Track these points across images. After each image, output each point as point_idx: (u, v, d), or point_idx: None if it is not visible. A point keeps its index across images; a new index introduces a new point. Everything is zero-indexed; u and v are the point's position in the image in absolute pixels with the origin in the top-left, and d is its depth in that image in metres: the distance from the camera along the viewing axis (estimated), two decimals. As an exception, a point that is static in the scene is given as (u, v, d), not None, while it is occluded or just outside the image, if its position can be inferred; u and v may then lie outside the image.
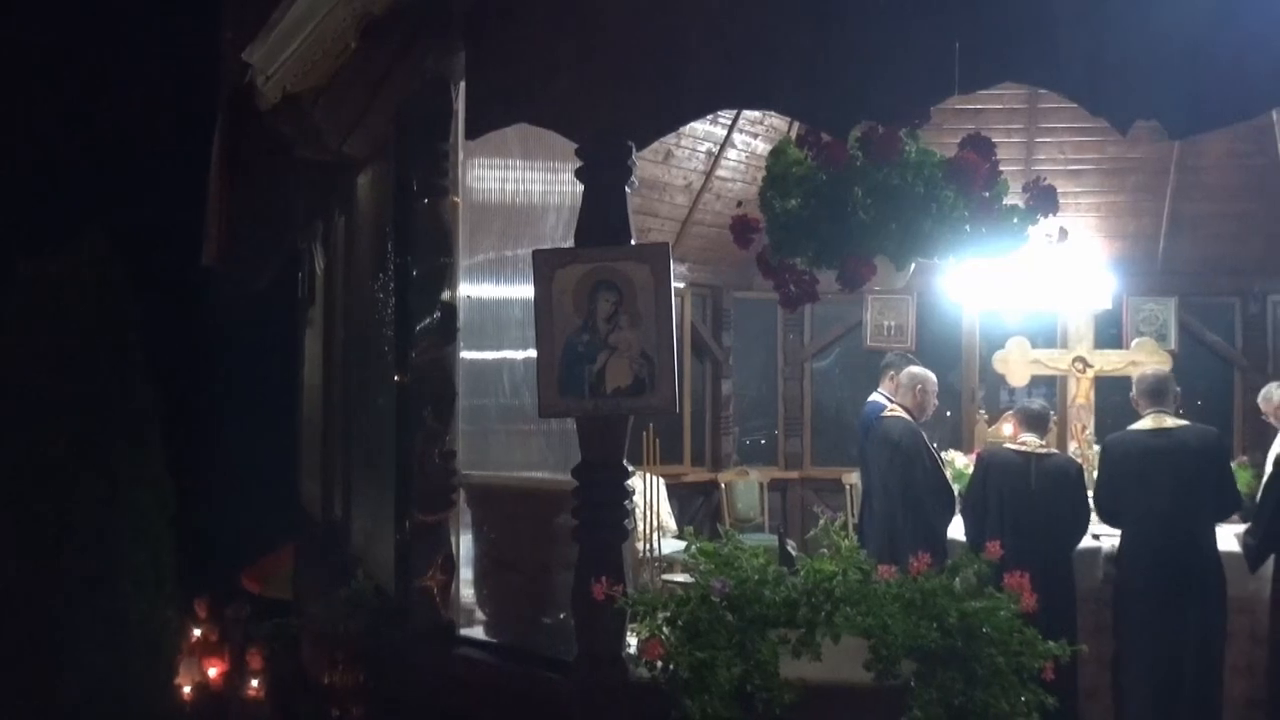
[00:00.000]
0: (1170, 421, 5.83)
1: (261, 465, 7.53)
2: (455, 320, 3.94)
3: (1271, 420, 6.97)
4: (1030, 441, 5.98)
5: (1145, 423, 5.89)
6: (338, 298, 5.54)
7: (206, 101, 5.65)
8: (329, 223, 5.76)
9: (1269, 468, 6.19)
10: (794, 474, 10.48)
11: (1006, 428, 6.95)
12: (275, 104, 3.91)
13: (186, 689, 7.59)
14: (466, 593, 4.02)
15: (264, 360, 7.49)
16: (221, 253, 5.55)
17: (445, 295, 3.95)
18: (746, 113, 8.65)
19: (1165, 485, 5.68)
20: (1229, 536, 5.88)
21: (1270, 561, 5.75)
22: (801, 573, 3.41)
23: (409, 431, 3.95)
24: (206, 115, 5.49)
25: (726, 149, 9.05)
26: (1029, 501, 5.81)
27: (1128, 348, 7.64)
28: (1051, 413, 6.24)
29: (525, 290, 3.85)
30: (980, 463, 6.18)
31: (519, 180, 4.44)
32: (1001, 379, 7.64)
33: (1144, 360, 7.03)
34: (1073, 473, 6.02)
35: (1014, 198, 3.68)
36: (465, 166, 4.07)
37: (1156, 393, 5.93)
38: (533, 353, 3.62)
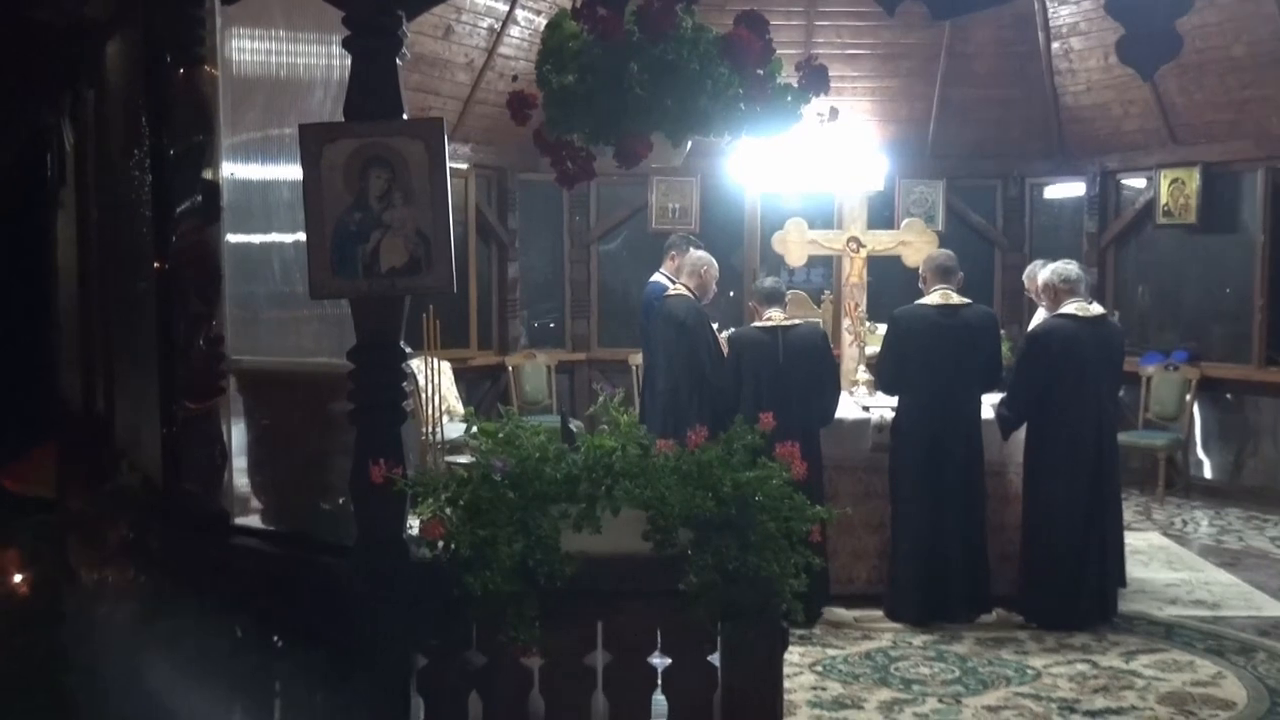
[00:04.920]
0: (956, 299, 6.17)
1: (14, 358, 7.06)
2: (218, 200, 3.75)
3: (1033, 297, 7.41)
4: (775, 316, 6.21)
5: (933, 298, 6.21)
6: (90, 177, 5.18)
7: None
8: (77, 96, 5.35)
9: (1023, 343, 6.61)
10: (581, 356, 10.59)
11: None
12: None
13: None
14: (241, 482, 3.91)
15: (9, 246, 6.97)
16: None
17: (206, 174, 3.74)
18: (528, -12, 8.46)
19: (947, 358, 6.05)
20: (985, 406, 6.29)
21: (1024, 430, 6.19)
22: (582, 449, 3.45)
23: (172, 318, 3.77)
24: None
25: (509, 25, 8.85)
26: (778, 373, 6.06)
27: (899, 228, 7.95)
28: (783, 287, 6.48)
29: (293, 171, 3.68)
30: (732, 344, 6.39)
31: (283, 52, 4.21)
32: (781, 259, 7.84)
33: (913, 240, 7.34)
34: (818, 339, 6.29)
35: (788, 77, 3.72)
36: (224, 36, 3.83)
37: (944, 271, 6.27)
38: (303, 236, 3.48)
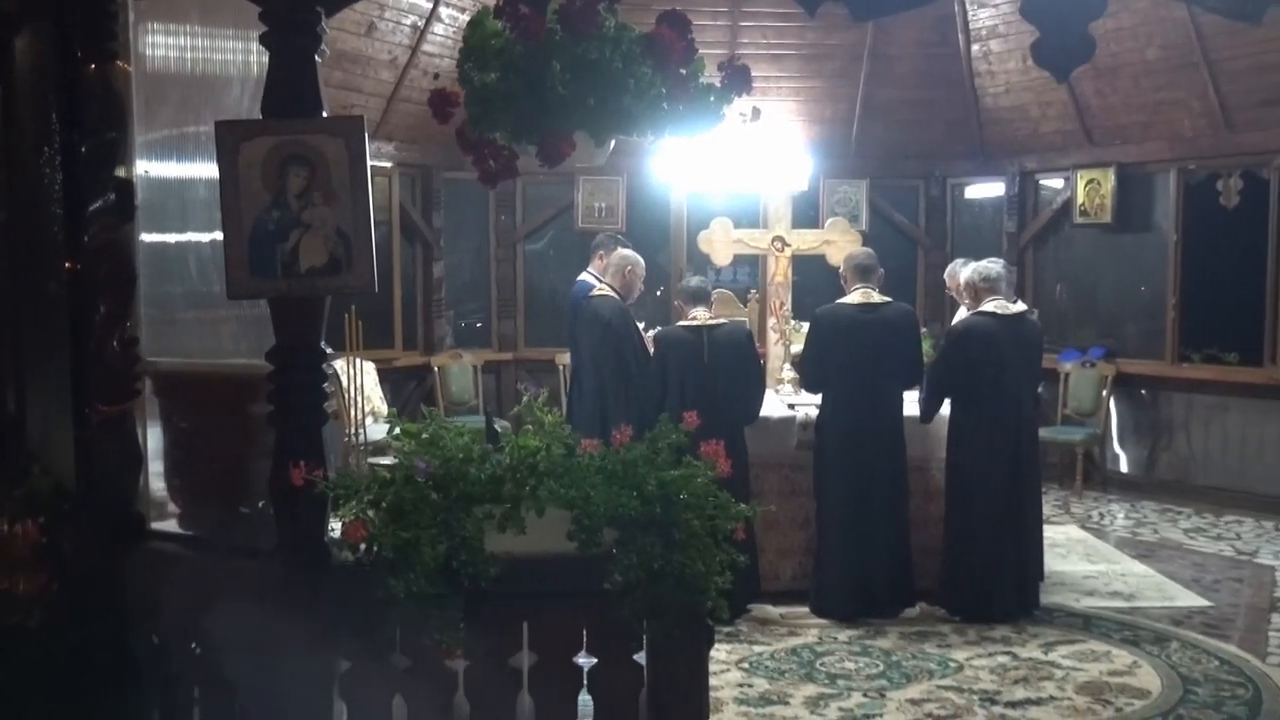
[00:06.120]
0: (876, 297, 6.24)
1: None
2: (131, 199, 3.65)
3: (954, 295, 7.52)
4: (700, 315, 6.25)
5: (853, 297, 6.28)
6: (-1, 175, 5.03)
7: None
8: (-16, 91, 5.20)
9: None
10: (508, 356, 10.55)
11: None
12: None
13: None
14: (157, 486, 3.83)
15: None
16: None
17: (119, 172, 3.65)
18: (452, -15, 8.40)
19: (868, 356, 6.12)
20: (909, 402, 6.37)
21: (945, 426, 6.29)
22: (507, 449, 3.43)
23: (85, 319, 3.67)
24: None
25: (433, 23, 8.80)
26: (703, 372, 6.09)
27: (823, 227, 8.02)
28: (709, 286, 6.52)
29: (210, 169, 3.61)
30: (657, 343, 6.42)
31: (199, 48, 4.13)
32: (707, 258, 7.87)
33: (837, 239, 7.41)
34: (742, 338, 6.35)
35: (711, 77, 3.73)
36: (137, 31, 3.74)
37: (864, 270, 6.35)
38: (220, 235, 3.42)
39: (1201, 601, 6.54)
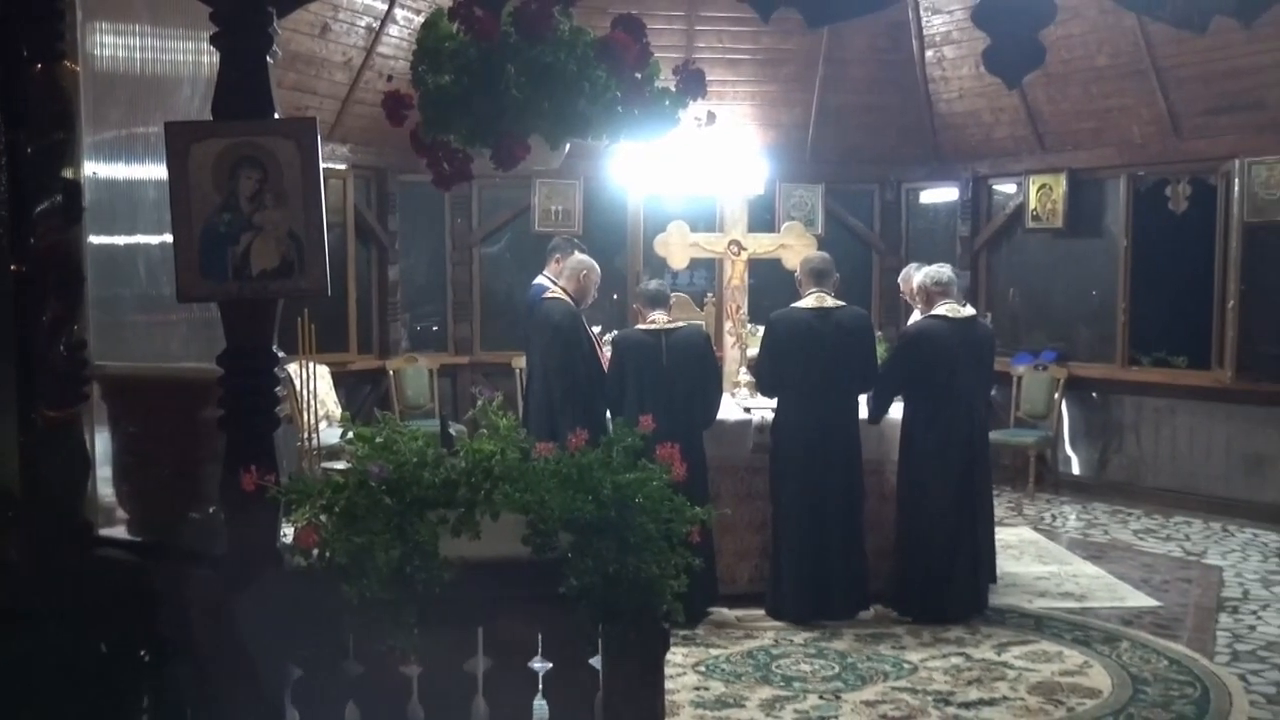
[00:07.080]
0: (830, 302, 6.27)
1: None
2: (79, 201, 3.60)
3: (908, 299, 7.58)
4: (659, 319, 6.26)
5: (808, 301, 6.31)
6: (-57, 176, 4.94)
7: None
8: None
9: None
10: (464, 359, 10.51)
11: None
12: None
13: None
14: (105, 491, 3.77)
15: None
16: None
17: (67, 173, 3.60)
18: (407, -14, 8.36)
19: (822, 360, 6.15)
20: (863, 404, 6.41)
21: (897, 427, 6.33)
22: (461, 453, 3.42)
23: (31, 322, 3.61)
24: None
25: (388, 25, 8.75)
26: (661, 375, 6.10)
27: (779, 231, 8.05)
28: (668, 289, 6.53)
29: (159, 170, 3.57)
30: (616, 347, 6.42)
31: (148, 48, 4.08)
32: (664, 262, 7.88)
33: (793, 243, 7.44)
34: (700, 341, 6.37)
35: (666, 81, 3.74)
36: (84, 30, 3.69)
37: (819, 274, 6.38)
38: (170, 237, 3.38)
39: (1151, 602, 6.63)
